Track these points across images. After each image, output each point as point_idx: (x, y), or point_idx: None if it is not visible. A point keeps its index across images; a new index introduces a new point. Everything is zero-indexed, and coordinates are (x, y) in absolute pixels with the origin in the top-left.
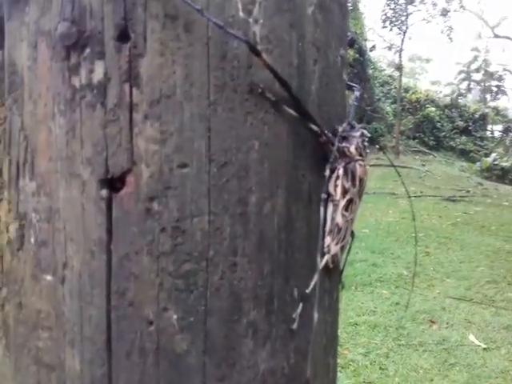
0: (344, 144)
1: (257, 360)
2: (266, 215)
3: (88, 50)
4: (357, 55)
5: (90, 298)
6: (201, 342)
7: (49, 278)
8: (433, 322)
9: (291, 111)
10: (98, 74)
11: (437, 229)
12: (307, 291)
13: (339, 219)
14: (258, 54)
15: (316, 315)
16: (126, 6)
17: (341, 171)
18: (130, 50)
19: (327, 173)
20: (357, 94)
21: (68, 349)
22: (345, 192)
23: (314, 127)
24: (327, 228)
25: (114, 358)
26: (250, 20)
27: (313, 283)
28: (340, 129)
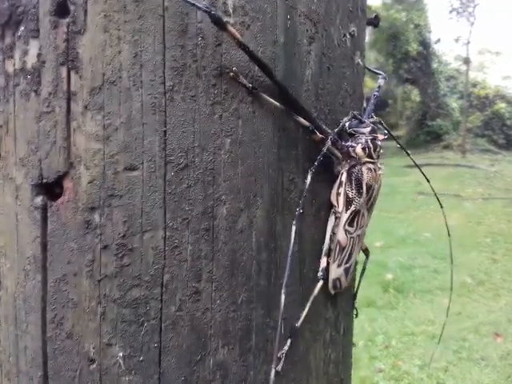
0: (349, 143)
1: None
2: (241, 231)
3: (22, 28)
4: (420, 48)
5: (25, 326)
6: None
7: None
8: (497, 335)
9: (274, 102)
10: (32, 57)
11: (505, 234)
12: (297, 325)
13: (341, 236)
14: (223, 27)
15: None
16: None
17: (344, 177)
18: (68, 26)
19: (308, 179)
20: (381, 82)
21: (5, 382)
22: (349, 202)
23: (305, 122)
24: (324, 247)
25: None
26: None
27: (304, 314)
28: (345, 124)
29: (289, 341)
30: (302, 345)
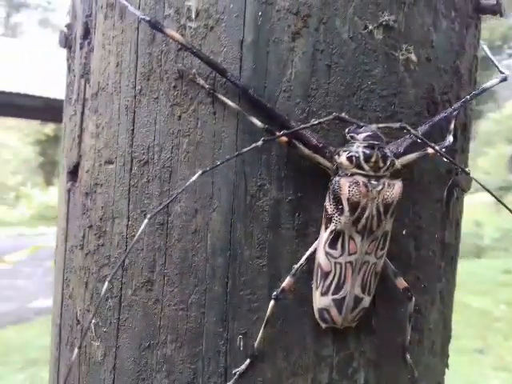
0: (335, 149)
1: None
2: (195, 231)
3: (71, 50)
4: None
5: (56, 284)
6: (112, 357)
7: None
8: None
9: (228, 102)
10: (72, 71)
11: None
12: (256, 345)
13: (321, 258)
14: (161, 30)
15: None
16: (89, 2)
17: (330, 190)
18: (87, 45)
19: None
20: (494, 81)
21: (53, 328)
22: (328, 219)
23: (257, 122)
24: (296, 265)
25: (61, 343)
26: None
27: (260, 334)
28: (348, 130)
29: (247, 361)
30: (266, 369)
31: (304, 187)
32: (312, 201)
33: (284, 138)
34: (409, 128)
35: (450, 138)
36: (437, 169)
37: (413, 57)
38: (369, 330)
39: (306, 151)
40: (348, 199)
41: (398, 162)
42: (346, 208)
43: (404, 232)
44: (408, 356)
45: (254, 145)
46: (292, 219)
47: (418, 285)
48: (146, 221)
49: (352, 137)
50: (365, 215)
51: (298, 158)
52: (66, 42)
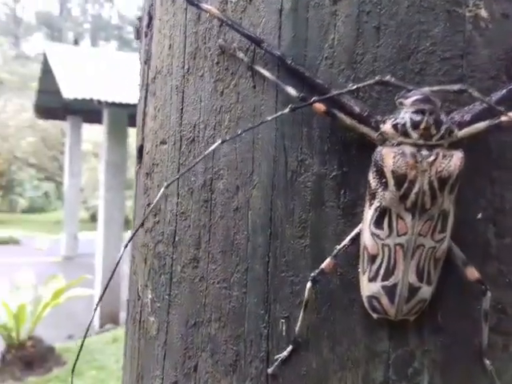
0: (380, 118)
1: None
2: (237, 208)
3: (140, 39)
4: None
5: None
6: (163, 333)
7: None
8: None
9: (266, 73)
10: (139, 59)
11: None
12: (297, 330)
13: (367, 239)
14: (197, 6)
15: None
16: None
17: (372, 161)
18: (150, 32)
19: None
20: None
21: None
22: (372, 195)
23: (292, 91)
24: (338, 246)
25: (128, 318)
26: None
27: (300, 319)
28: (398, 95)
29: (290, 347)
30: (305, 358)
31: (350, 162)
32: (360, 177)
33: (321, 107)
34: (470, 90)
35: None
36: None
37: (483, 13)
38: (434, 326)
39: (348, 121)
40: (393, 172)
41: (458, 131)
42: (391, 182)
43: (480, 216)
44: (487, 361)
45: (280, 112)
46: (337, 197)
47: (500, 279)
48: (162, 189)
49: (400, 102)
50: (414, 190)
51: (342, 130)
52: (138, 34)
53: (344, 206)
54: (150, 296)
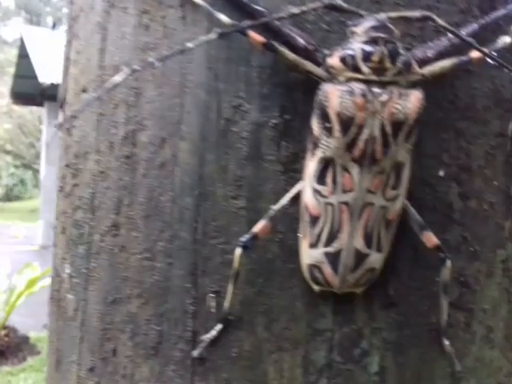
0: (327, 52)
1: (134, 372)
2: (162, 165)
3: None
4: None
5: None
6: (81, 312)
7: None
8: None
9: (199, 0)
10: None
11: None
12: (226, 305)
13: (308, 197)
14: None
15: None
16: None
17: (315, 102)
18: None
19: None
20: None
21: None
22: (315, 144)
23: (224, 18)
24: (272, 210)
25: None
26: None
27: (229, 292)
28: (349, 24)
29: (218, 326)
30: (236, 334)
31: (294, 108)
32: (304, 126)
33: (258, 38)
34: (434, 17)
35: (507, 39)
36: (497, 90)
37: None
38: (385, 301)
39: (291, 56)
40: (338, 114)
41: (417, 66)
42: (336, 126)
43: (441, 173)
44: (446, 342)
45: (205, 37)
46: (277, 149)
47: (463, 247)
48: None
49: (352, 31)
50: (362, 137)
51: (287, 70)
52: None
53: (285, 160)
54: (67, 270)
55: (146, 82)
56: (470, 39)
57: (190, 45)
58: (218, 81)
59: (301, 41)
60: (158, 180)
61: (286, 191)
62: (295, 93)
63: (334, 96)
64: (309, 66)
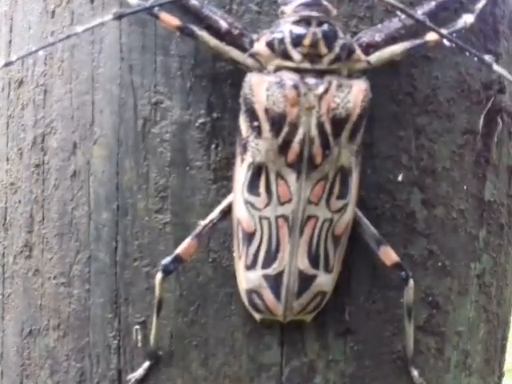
0: (255, 37)
1: None
2: (74, 174)
3: None
4: None
5: None
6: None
7: None
8: None
9: None
10: None
11: None
12: (152, 339)
13: (239, 210)
14: None
15: None
16: None
17: (241, 97)
18: None
19: None
20: None
21: None
22: (243, 146)
23: (134, 2)
24: (199, 226)
25: None
26: None
27: (154, 324)
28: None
29: (146, 363)
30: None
31: (223, 104)
32: (236, 125)
33: (173, 21)
34: None
35: (469, 18)
36: (463, 81)
37: None
38: (340, 327)
39: (212, 41)
40: (266, 110)
41: (366, 55)
42: (266, 126)
43: (400, 178)
44: (415, 372)
45: (99, 20)
46: (206, 153)
47: (430, 263)
48: None
49: (282, 11)
50: (297, 137)
51: (212, 58)
52: None
53: (216, 166)
54: None
55: (53, 78)
56: (423, 18)
57: (78, 29)
58: (133, 73)
59: (223, 24)
60: (70, 192)
61: (219, 203)
62: (224, 86)
63: (261, 88)
64: (233, 53)
